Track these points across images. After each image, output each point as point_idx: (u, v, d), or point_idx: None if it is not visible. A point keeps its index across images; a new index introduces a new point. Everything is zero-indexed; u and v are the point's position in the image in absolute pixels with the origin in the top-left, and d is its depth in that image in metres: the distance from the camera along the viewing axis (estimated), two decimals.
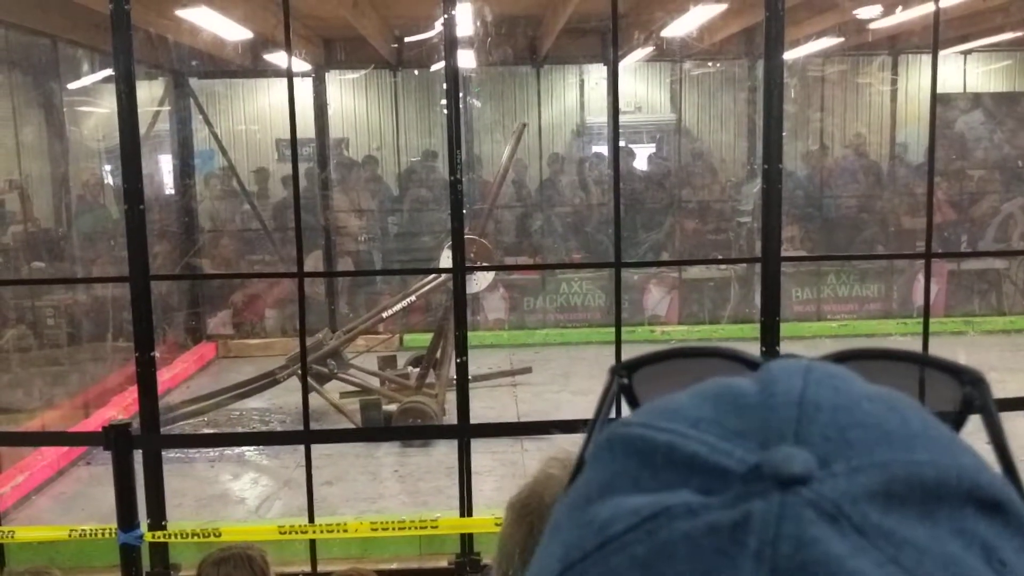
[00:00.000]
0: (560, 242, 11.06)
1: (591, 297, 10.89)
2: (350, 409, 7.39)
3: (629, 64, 12.07)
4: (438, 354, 7.61)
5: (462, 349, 4.69)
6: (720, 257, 10.89)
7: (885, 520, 0.35)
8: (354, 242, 11.04)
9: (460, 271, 4.66)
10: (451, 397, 6.10)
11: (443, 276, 7.04)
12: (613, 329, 4.78)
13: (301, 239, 4.68)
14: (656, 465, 0.38)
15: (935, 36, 4.58)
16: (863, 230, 11.00)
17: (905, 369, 0.47)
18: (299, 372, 5.20)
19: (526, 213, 11.39)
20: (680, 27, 9.29)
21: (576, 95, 12.43)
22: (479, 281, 7.55)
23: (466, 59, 9.81)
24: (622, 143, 12.59)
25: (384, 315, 7.94)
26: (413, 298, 7.79)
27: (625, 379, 0.49)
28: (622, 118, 12.99)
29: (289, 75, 4.79)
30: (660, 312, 10.98)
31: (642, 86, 12.72)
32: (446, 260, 6.24)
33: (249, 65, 10.58)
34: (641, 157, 12.24)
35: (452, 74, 4.60)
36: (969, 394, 0.45)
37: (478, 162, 11.79)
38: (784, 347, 9.66)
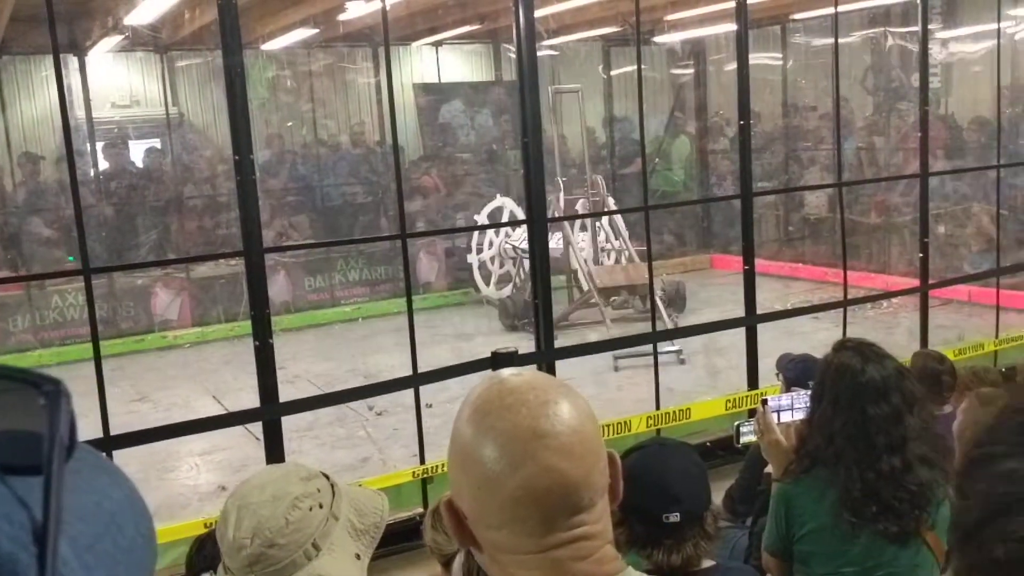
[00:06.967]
0: (48, 249, 9.93)
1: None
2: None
3: (120, 56, 11.26)
4: None
5: None
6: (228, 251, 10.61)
7: None
8: None
9: None
10: None
11: None
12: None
13: None
14: None
15: (385, 29, 4.83)
16: (362, 216, 11.45)
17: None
18: None
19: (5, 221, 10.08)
20: (145, 15, 8.80)
21: (69, 88, 11.27)
22: None
23: None
24: (132, 139, 11.73)
25: None
26: None
27: None
28: (118, 113, 12.14)
29: None
30: (172, 316, 10.41)
31: (138, 79, 11.94)
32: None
33: None
34: (138, 153, 11.48)
35: None
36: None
37: None
38: (296, 337, 9.74)
